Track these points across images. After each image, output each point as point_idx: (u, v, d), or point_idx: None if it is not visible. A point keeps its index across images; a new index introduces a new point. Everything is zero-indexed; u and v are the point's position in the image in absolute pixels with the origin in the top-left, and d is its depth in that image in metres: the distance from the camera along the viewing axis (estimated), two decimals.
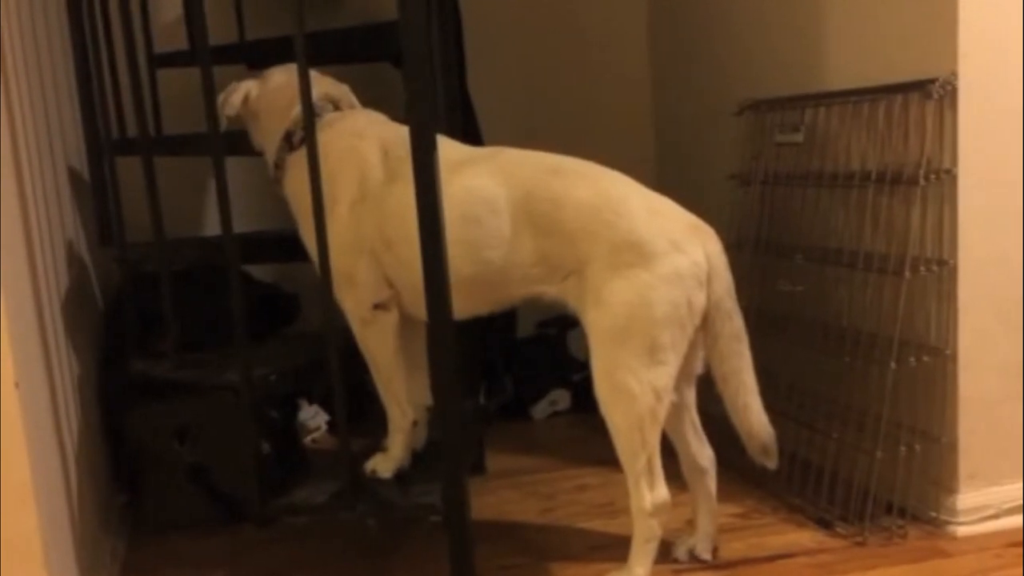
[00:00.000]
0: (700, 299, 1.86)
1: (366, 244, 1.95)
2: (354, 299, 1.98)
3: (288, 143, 2.04)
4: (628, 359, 1.83)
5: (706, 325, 1.90)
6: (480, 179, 1.90)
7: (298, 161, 1.96)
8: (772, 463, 2.00)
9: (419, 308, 1.83)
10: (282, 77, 2.08)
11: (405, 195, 1.77)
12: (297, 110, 1.94)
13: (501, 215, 1.88)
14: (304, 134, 1.85)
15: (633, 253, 1.82)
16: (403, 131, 1.79)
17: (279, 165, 2.06)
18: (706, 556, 2.10)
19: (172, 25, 2.79)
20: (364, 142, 1.98)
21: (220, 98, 2.07)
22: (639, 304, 1.81)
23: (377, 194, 1.94)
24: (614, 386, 1.85)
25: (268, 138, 2.10)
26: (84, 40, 2.24)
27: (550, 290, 1.92)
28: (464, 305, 1.88)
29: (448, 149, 1.92)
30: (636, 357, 1.82)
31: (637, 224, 1.83)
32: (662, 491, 1.90)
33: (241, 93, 2.09)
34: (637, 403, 1.84)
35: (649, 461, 1.87)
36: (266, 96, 2.09)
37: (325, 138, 1.94)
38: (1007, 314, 2.13)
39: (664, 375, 1.85)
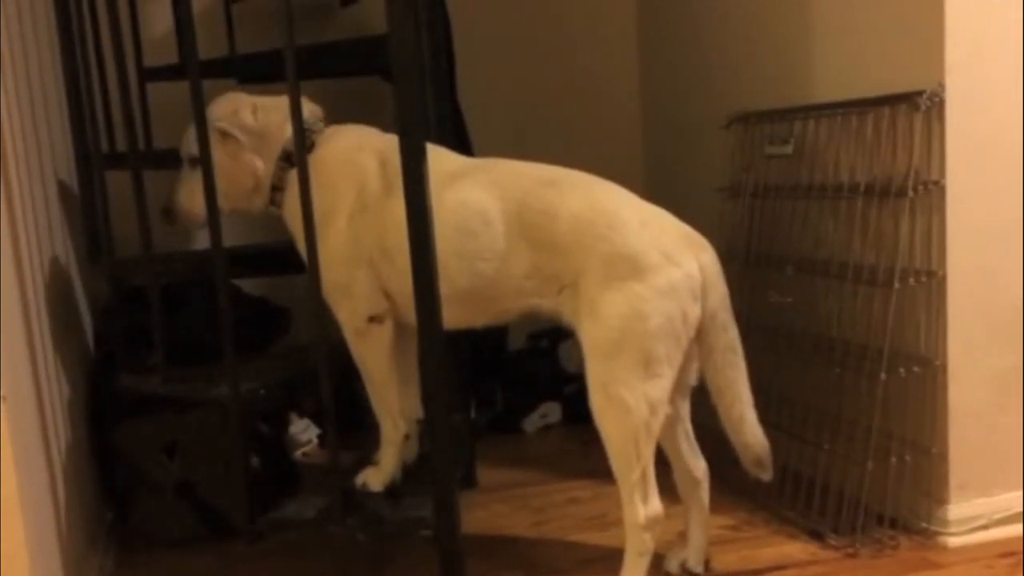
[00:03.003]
0: (695, 311, 1.86)
1: (364, 255, 1.94)
2: (349, 310, 1.98)
3: (288, 161, 2.01)
4: (623, 372, 1.82)
5: (701, 337, 1.90)
6: (474, 191, 1.90)
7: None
8: (766, 475, 1.99)
9: None
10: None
11: (403, 205, 1.76)
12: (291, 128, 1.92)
13: (495, 227, 1.88)
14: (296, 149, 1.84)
15: (627, 265, 1.82)
16: None
17: (278, 186, 2.03)
18: (698, 569, 2.09)
19: (162, 38, 2.79)
20: (362, 154, 1.98)
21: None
22: (633, 317, 1.81)
23: (376, 205, 1.93)
24: (609, 399, 1.84)
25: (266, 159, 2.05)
26: (74, 53, 2.23)
27: (545, 304, 1.92)
28: (458, 317, 1.88)
29: (443, 161, 1.93)
30: (631, 370, 1.82)
31: (630, 236, 1.83)
32: (655, 504, 1.89)
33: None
34: (632, 416, 1.83)
35: (643, 474, 1.87)
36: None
37: (324, 151, 1.95)
38: (996, 324, 2.14)
39: (659, 388, 1.84)
